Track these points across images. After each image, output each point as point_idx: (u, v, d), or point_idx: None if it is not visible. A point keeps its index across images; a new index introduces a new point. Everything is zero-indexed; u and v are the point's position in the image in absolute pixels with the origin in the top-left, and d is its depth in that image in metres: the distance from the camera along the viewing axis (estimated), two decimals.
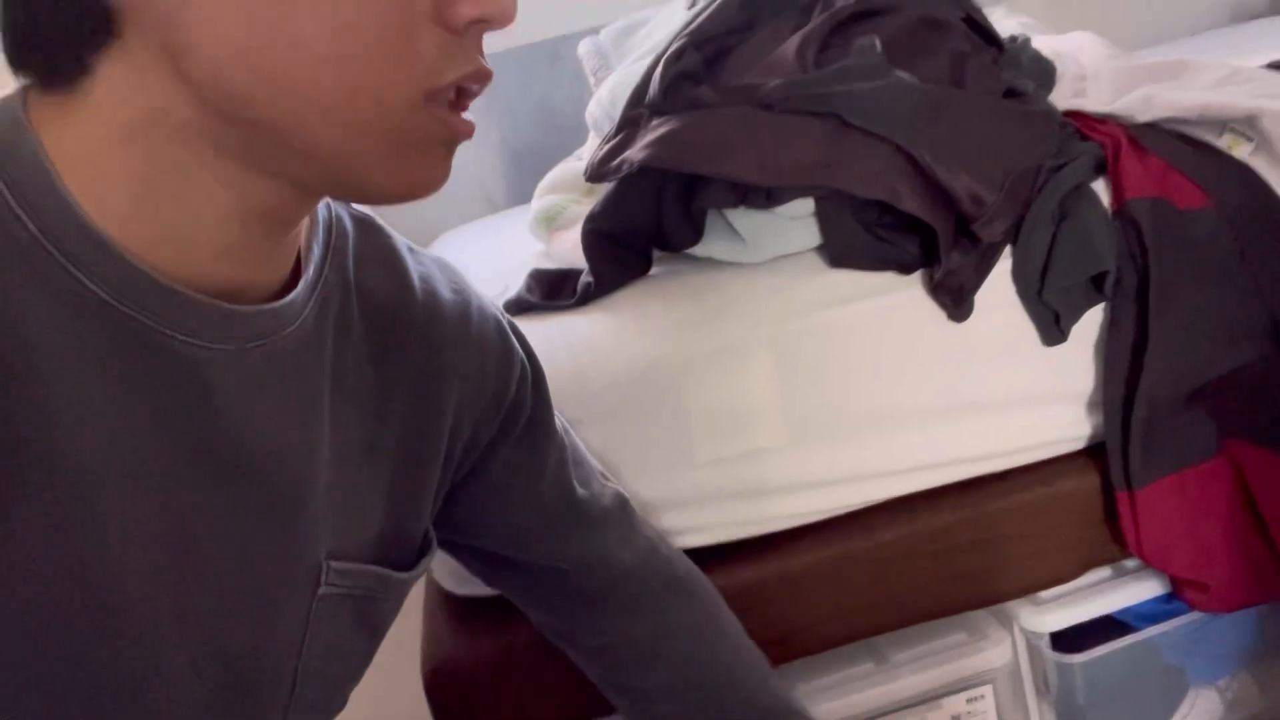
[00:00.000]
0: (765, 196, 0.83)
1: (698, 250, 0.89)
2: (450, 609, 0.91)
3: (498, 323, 0.62)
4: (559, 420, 0.69)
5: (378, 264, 0.54)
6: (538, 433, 0.65)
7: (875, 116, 0.80)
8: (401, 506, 0.56)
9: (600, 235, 0.90)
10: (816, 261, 0.88)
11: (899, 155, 0.80)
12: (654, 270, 0.93)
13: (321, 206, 0.51)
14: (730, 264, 0.89)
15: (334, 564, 0.51)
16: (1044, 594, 0.95)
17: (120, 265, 0.40)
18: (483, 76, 0.43)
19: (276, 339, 0.46)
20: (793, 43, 0.86)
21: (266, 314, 0.45)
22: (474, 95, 0.43)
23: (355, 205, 0.55)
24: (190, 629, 0.45)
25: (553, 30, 1.71)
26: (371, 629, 0.57)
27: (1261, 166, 0.88)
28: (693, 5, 1.06)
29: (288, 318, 0.46)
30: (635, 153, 0.87)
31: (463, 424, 0.59)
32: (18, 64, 0.41)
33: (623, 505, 0.71)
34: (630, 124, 0.91)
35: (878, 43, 0.85)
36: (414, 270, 0.56)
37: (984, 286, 0.85)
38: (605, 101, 1.06)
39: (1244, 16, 1.95)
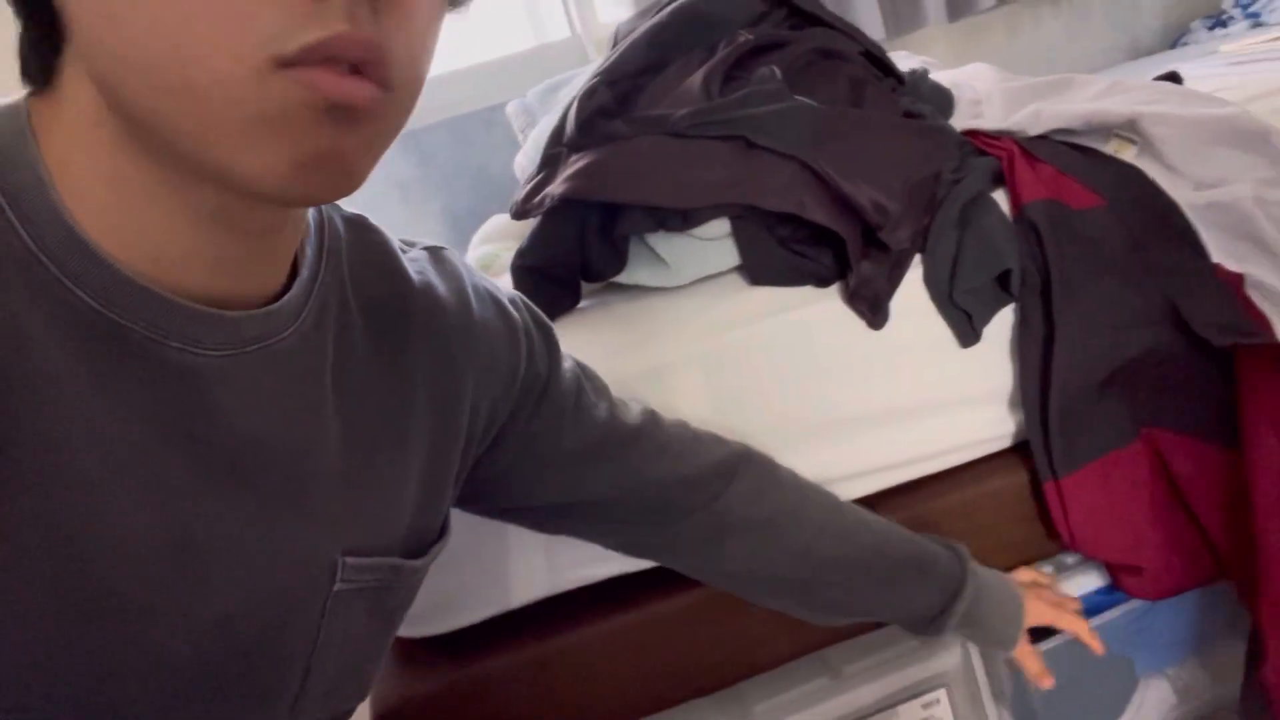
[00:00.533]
0: (682, 219, 0.86)
1: (623, 278, 0.92)
2: (399, 650, 0.90)
3: (496, 301, 0.62)
4: (567, 360, 0.69)
5: (372, 263, 0.54)
6: (553, 390, 0.65)
7: (778, 136, 0.85)
8: (429, 494, 0.56)
9: (529, 271, 0.93)
10: (737, 280, 0.91)
11: (803, 171, 0.84)
12: (582, 303, 0.96)
13: (313, 211, 0.51)
14: (655, 289, 0.92)
15: (350, 560, 0.51)
16: None
17: (111, 275, 0.40)
18: (347, 43, 0.36)
19: (274, 342, 0.46)
20: (698, 75, 0.91)
21: (259, 318, 0.45)
22: (355, 62, 0.37)
23: (344, 207, 0.55)
24: (197, 631, 0.45)
25: (486, 100, 1.77)
26: (386, 618, 0.56)
27: (1147, 166, 0.94)
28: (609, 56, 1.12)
29: (283, 321, 0.46)
30: (556, 187, 0.90)
31: (480, 406, 0.59)
32: (21, 71, 0.41)
33: (650, 416, 0.72)
34: (550, 162, 0.95)
35: (777, 71, 0.90)
36: (409, 266, 0.56)
37: (899, 295, 0.88)
38: (531, 151, 1.10)
39: (1140, 54, 2.07)
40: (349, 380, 0.50)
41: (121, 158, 0.39)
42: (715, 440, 0.75)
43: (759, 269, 0.89)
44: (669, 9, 0.99)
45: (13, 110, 0.40)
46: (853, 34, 1.03)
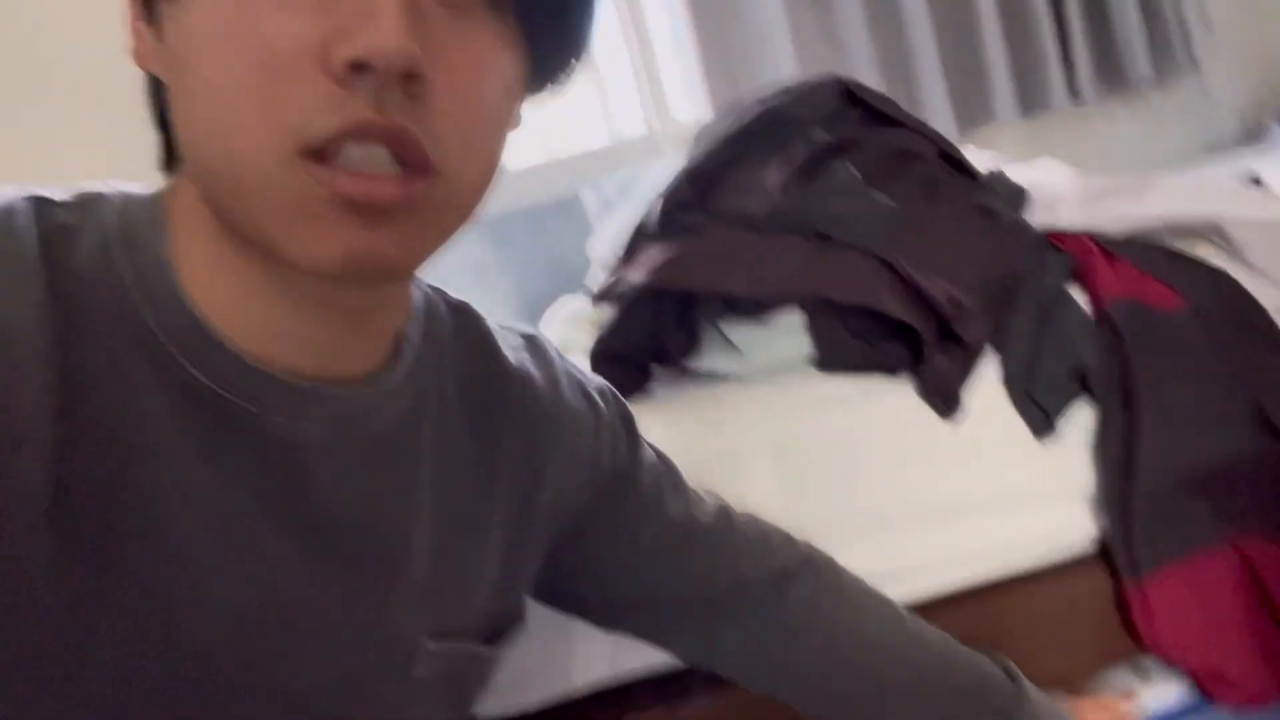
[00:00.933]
0: (757, 309, 0.88)
1: (697, 364, 0.94)
2: None
3: (585, 392, 0.61)
4: (649, 452, 0.67)
5: (473, 348, 0.54)
6: (634, 486, 0.64)
7: (854, 231, 0.87)
8: (507, 578, 0.55)
9: (607, 355, 0.95)
10: (809, 369, 0.92)
11: (879, 265, 0.86)
12: (656, 387, 0.98)
13: (419, 295, 0.52)
14: (728, 376, 0.94)
15: (431, 644, 0.50)
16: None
17: (222, 354, 0.41)
18: (367, 129, 0.36)
19: (373, 420, 0.46)
20: (776, 172, 0.94)
21: (361, 395, 0.45)
22: (374, 152, 0.37)
23: (450, 293, 0.56)
24: (281, 703, 0.45)
25: (562, 192, 1.84)
26: (459, 706, 0.55)
27: (1230, 269, 0.93)
28: (689, 153, 1.16)
29: (384, 400, 0.47)
30: (636, 275, 0.93)
31: (560, 495, 0.58)
32: (160, 164, 0.46)
33: (724, 514, 0.69)
34: (631, 252, 0.98)
35: (854, 170, 0.93)
36: (507, 353, 0.56)
37: (973, 388, 0.88)
38: (608, 237, 1.14)
39: (1215, 153, 2.06)
40: (442, 462, 0.51)
41: (224, 246, 0.41)
42: (784, 542, 0.73)
43: (832, 358, 0.90)
44: (748, 109, 1.03)
45: (153, 199, 0.44)
46: (928, 134, 1.06)
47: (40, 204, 0.41)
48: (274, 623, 0.44)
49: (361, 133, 0.36)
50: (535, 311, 1.80)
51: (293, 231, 0.38)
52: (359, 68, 0.35)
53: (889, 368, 0.88)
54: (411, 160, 0.38)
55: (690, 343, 0.92)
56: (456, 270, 1.82)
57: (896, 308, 0.84)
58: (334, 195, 0.37)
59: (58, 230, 0.40)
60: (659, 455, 0.68)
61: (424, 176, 0.38)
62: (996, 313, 0.89)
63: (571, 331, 1.16)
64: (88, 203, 0.42)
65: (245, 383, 0.42)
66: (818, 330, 0.89)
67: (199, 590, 0.41)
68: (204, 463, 0.41)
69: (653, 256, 0.93)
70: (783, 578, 0.70)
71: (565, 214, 1.82)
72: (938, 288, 0.84)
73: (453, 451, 0.51)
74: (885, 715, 0.73)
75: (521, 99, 0.45)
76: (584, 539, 0.62)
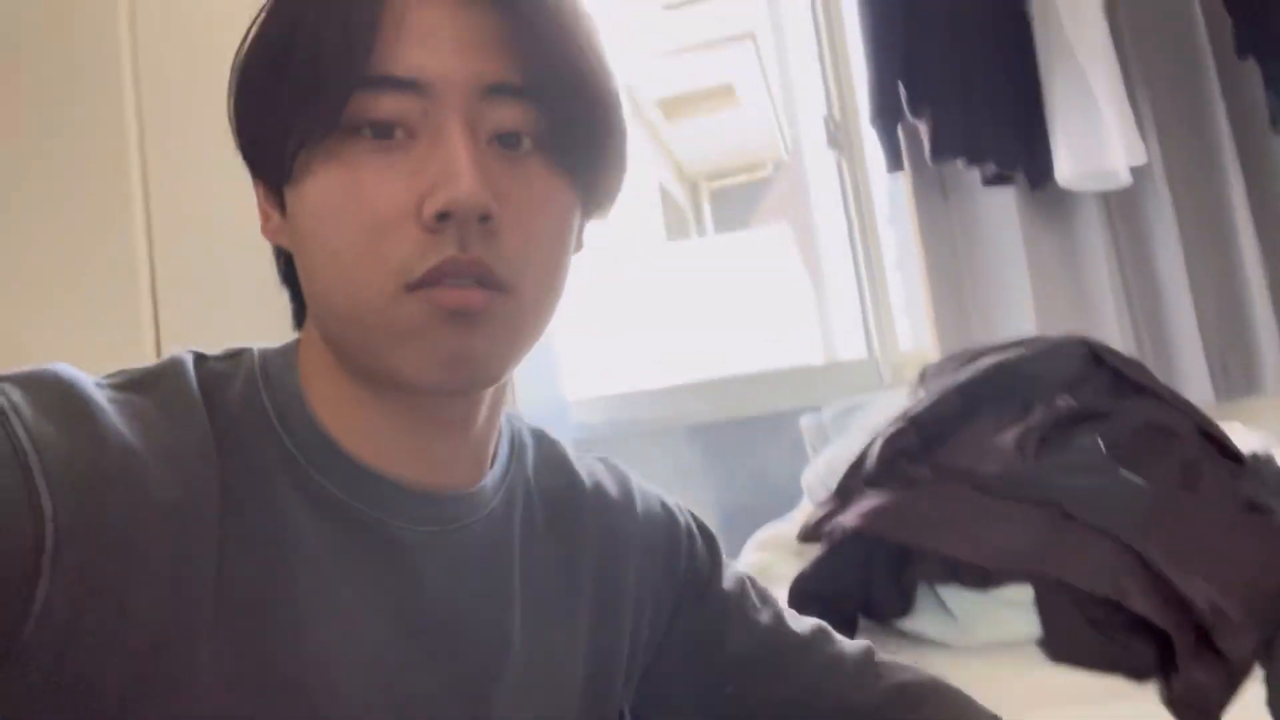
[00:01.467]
0: (981, 577, 0.82)
1: (906, 624, 0.88)
2: None
3: (661, 502, 0.68)
4: (734, 567, 0.70)
5: (551, 465, 0.62)
6: (715, 588, 0.67)
7: (1099, 511, 0.80)
8: (597, 673, 0.59)
9: (808, 596, 0.91)
10: (1035, 653, 0.83)
11: (1126, 552, 0.78)
12: (858, 640, 0.91)
13: (505, 422, 0.59)
14: (939, 643, 0.86)
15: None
16: None
17: (348, 467, 0.50)
18: (456, 266, 0.45)
19: (471, 524, 0.54)
20: (1011, 434, 0.89)
21: (462, 499, 0.53)
22: (463, 279, 0.46)
23: (533, 422, 0.64)
24: None
25: (774, 406, 1.84)
26: None
27: None
28: (914, 394, 1.13)
29: (479, 505, 0.54)
30: (848, 519, 0.90)
31: (644, 596, 0.63)
32: (294, 322, 0.56)
33: (822, 630, 0.69)
34: (845, 493, 0.95)
35: (1101, 443, 0.87)
36: (581, 469, 0.64)
37: (1234, 708, 0.77)
38: (822, 471, 1.11)
39: None
40: (530, 560, 0.57)
41: (344, 378, 0.51)
42: (898, 666, 0.70)
43: (1063, 647, 0.81)
44: (985, 361, 1.00)
45: (288, 348, 0.54)
46: (1184, 407, 0.98)
47: (199, 358, 0.51)
48: (393, 715, 0.49)
49: (453, 267, 0.45)
50: (736, 524, 1.78)
51: (405, 350, 0.47)
52: (444, 217, 0.44)
53: (1133, 670, 0.78)
54: (489, 283, 0.46)
55: (902, 601, 0.86)
56: (662, 470, 1.84)
57: (1145, 606, 0.75)
58: (435, 310, 0.45)
59: (214, 377, 0.50)
60: (745, 574, 0.71)
61: (500, 294, 0.47)
62: (1265, 627, 0.78)
63: (774, 559, 1.13)
64: (235, 355, 0.53)
65: (369, 491, 0.50)
66: (1048, 612, 0.81)
67: (333, 682, 0.47)
68: (335, 563, 0.48)
69: (869, 502, 0.90)
70: (905, 696, 0.67)
71: (776, 430, 1.81)
72: (1196, 589, 0.75)
73: (538, 553, 0.57)
74: None
75: (580, 225, 0.53)
76: (676, 644, 0.65)
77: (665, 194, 6.35)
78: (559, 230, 0.50)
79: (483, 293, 0.46)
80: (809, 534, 0.93)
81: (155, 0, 1.46)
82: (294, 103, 0.46)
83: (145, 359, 0.51)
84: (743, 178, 7.01)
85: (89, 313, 1.42)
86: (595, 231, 0.57)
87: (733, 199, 7.11)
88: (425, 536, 0.51)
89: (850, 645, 0.70)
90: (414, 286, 0.45)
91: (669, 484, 2.08)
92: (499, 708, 0.53)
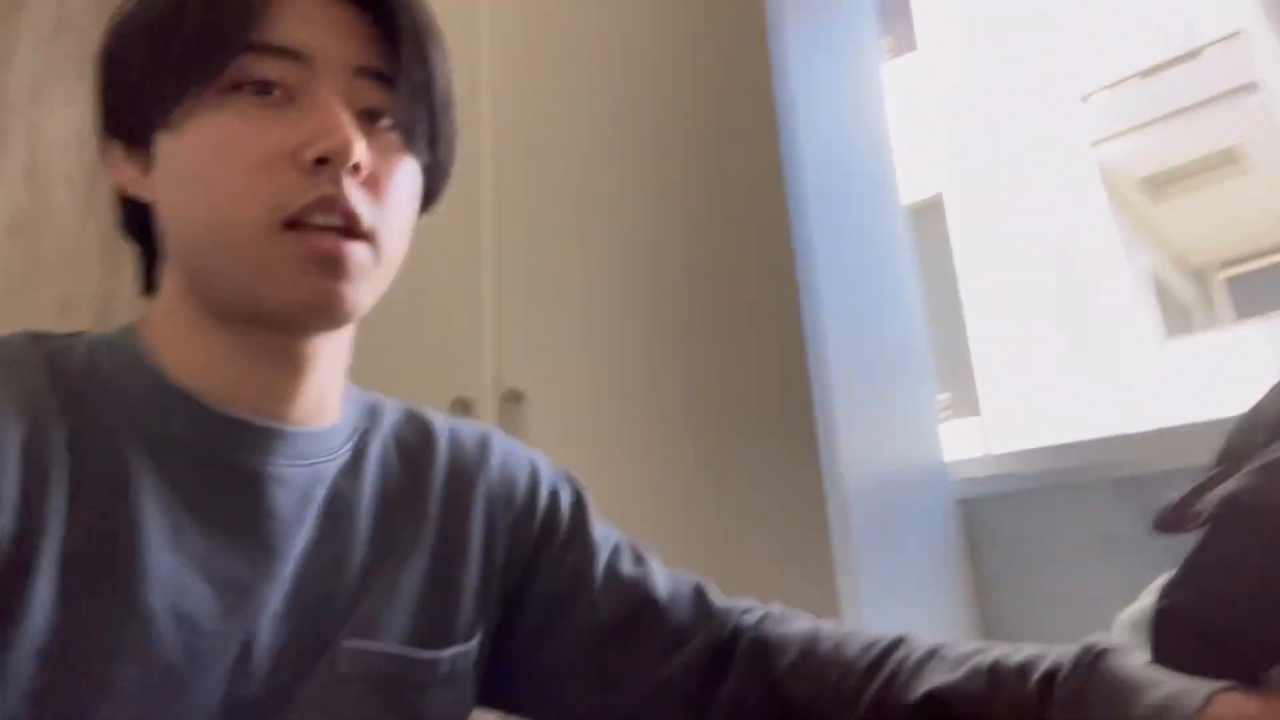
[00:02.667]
0: None
1: None
2: None
3: (530, 460, 0.73)
4: (608, 530, 0.74)
5: (412, 427, 0.69)
6: (579, 540, 0.71)
7: None
8: (434, 596, 0.64)
9: (1177, 615, 0.57)
10: None
11: None
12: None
13: (361, 391, 0.67)
14: None
15: (347, 643, 0.58)
16: None
17: (194, 408, 0.55)
18: (328, 203, 0.51)
19: (320, 464, 0.59)
20: None
21: (309, 436, 0.58)
22: (332, 219, 0.51)
23: (415, 408, 0.71)
24: (233, 711, 0.53)
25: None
26: (409, 715, 0.61)
27: None
28: None
29: (327, 446, 0.60)
30: (1234, 483, 0.54)
31: (496, 531, 0.68)
32: (143, 288, 0.61)
33: (696, 590, 0.72)
34: (1234, 456, 0.59)
35: None
36: (441, 427, 0.70)
37: None
38: None
39: None
40: (382, 502, 0.63)
41: (200, 320, 0.56)
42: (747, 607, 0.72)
43: None
44: None
45: (126, 324, 0.60)
46: None
47: (38, 335, 0.56)
48: (236, 642, 0.53)
49: (326, 206, 0.51)
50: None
51: (274, 282, 0.52)
52: (321, 162, 0.51)
53: None
54: (357, 231, 0.53)
55: None
56: (1086, 536, 1.43)
57: None
58: (308, 253, 0.51)
59: (53, 347, 0.56)
60: (625, 537, 0.74)
61: (363, 239, 0.53)
62: None
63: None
64: (73, 334, 0.58)
65: (217, 430, 0.55)
66: None
67: (177, 608, 0.51)
68: (181, 506, 0.53)
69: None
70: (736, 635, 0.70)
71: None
72: None
73: (390, 494, 0.64)
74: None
75: (417, 206, 0.60)
76: (537, 590, 0.69)
77: (1161, 286, 5.39)
78: (409, 198, 0.58)
79: (352, 243, 0.52)
80: (1169, 521, 0.58)
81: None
82: (183, 59, 0.53)
83: None
84: (1267, 260, 5.66)
85: None
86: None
87: (1257, 283, 5.76)
88: (274, 470, 0.56)
89: (723, 603, 0.71)
90: (288, 224, 0.51)
91: (1093, 551, 1.63)
92: (324, 619, 0.58)
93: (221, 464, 0.56)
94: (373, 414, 0.67)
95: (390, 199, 0.55)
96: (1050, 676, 0.55)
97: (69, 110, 1.82)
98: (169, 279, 0.58)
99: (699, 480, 1.24)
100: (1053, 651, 0.56)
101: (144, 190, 0.58)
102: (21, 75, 1.77)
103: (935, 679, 0.60)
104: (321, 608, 0.58)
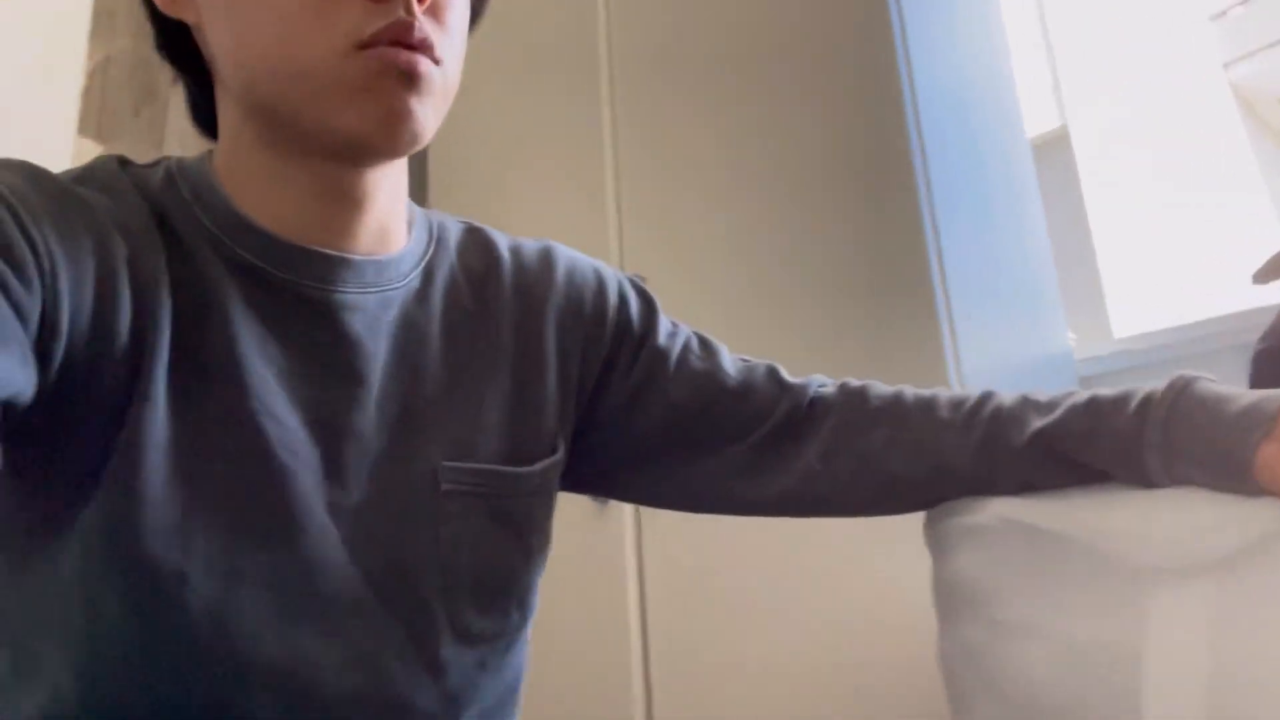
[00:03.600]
0: None
1: None
2: None
3: (594, 268, 0.74)
4: (677, 326, 0.76)
5: (476, 248, 0.70)
6: (651, 343, 0.73)
7: None
8: (519, 415, 0.66)
9: (1272, 354, 0.67)
10: None
11: None
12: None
13: (424, 214, 0.68)
14: None
15: (448, 464, 0.60)
16: None
17: (263, 238, 0.56)
18: (399, 29, 0.51)
19: (389, 290, 0.61)
20: None
21: (376, 264, 0.60)
22: (415, 47, 0.52)
23: (470, 220, 0.72)
24: (343, 524, 0.56)
25: None
26: (512, 529, 0.63)
27: None
28: None
29: (395, 273, 0.61)
30: None
31: (569, 345, 0.70)
32: (202, 128, 0.64)
33: (765, 372, 0.74)
34: None
35: None
36: (504, 244, 0.71)
37: None
38: None
39: None
40: (452, 326, 0.64)
41: (261, 154, 0.56)
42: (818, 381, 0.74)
43: None
44: None
45: (199, 155, 0.61)
46: None
47: (123, 160, 0.59)
48: (327, 451, 0.56)
49: (400, 30, 0.51)
50: None
51: (352, 104, 0.52)
52: None
53: None
54: (429, 53, 0.53)
55: None
56: None
57: None
58: (387, 66, 0.51)
59: (138, 173, 0.58)
60: (695, 332, 0.76)
61: (437, 65, 0.54)
62: None
63: None
64: (153, 163, 0.60)
65: (284, 258, 0.57)
66: None
67: (269, 425, 0.54)
68: (261, 324, 0.56)
69: None
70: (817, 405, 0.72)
71: None
72: None
73: (460, 318, 0.65)
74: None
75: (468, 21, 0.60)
76: (613, 390, 0.71)
77: None
78: (466, 19, 0.59)
79: (426, 59, 0.53)
80: (1263, 275, 0.68)
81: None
82: None
83: None
84: None
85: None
86: None
87: None
88: (343, 298, 0.58)
89: (786, 383, 0.73)
90: (364, 45, 0.51)
91: None
92: (415, 445, 0.60)
93: (291, 291, 0.57)
94: (439, 238, 0.67)
95: (452, 25, 0.56)
96: (1146, 402, 0.58)
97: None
98: (227, 110, 0.59)
99: (809, 357, 1.23)
100: (1142, 387, 0.61)
101: (183, 11, 0.58)
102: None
103: (1036, 421, 0.62)
104: (404, 427, 0.60)
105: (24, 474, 0.51)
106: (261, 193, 0.57)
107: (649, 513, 1.43)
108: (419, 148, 0.56)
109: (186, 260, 0.55)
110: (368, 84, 0.52)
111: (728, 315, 1.37)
